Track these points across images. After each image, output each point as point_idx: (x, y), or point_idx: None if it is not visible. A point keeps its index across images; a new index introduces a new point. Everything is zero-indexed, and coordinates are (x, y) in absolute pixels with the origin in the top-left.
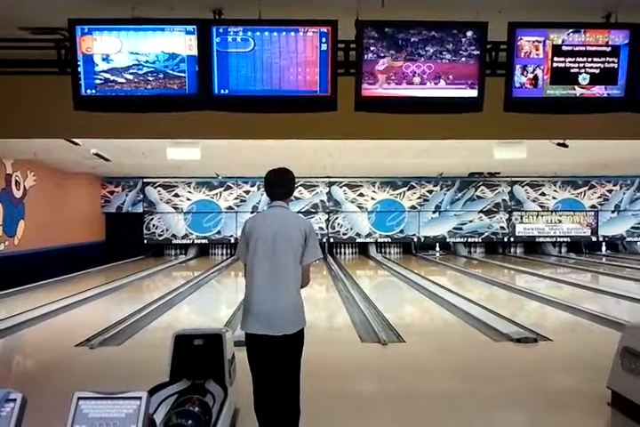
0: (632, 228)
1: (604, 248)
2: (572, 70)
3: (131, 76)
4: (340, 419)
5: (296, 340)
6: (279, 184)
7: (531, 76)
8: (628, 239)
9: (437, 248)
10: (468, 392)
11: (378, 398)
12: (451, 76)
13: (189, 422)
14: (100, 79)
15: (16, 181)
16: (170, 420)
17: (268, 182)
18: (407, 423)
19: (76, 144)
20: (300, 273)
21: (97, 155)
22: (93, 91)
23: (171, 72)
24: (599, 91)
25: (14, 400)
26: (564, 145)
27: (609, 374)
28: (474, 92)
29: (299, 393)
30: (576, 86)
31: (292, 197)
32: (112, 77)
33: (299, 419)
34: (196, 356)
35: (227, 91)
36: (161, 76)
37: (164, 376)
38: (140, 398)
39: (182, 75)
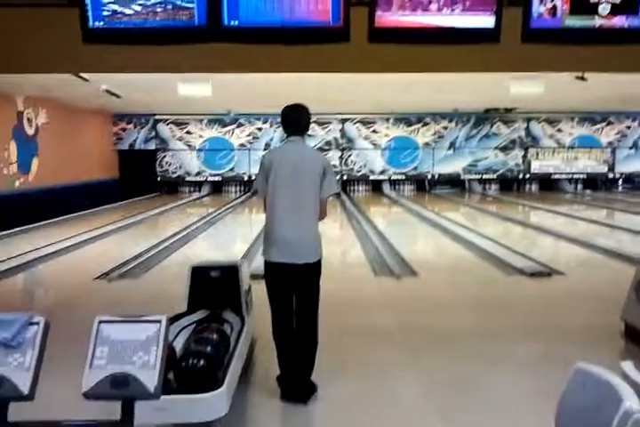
0: None
1: (620, 185)
2: (591, 0)
3: (139, 8)
4: (354, 351)
5: (315, 268)
6: (296, 119)
7: (549, 5)
8: None
9: (448, 184)
10: (481, 325)
11: (391, 331)
12: (468, 2)
13: (208, 348)
14: (108, 11)
15: (28, 118)
16: (189, 347)
17: (285, 118)
18: (420, 355)
19: (86, 80)
20: (318, 206)
21: (107, 91)
22: (101, 23)
23: (179, 3)
24: (619, 22)
25: (37, 324)
26: (583, 78)
27: (622, 306)
28: (491, 22)
29: (317, 321)
30: (596, 16)
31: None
32: (120, 9)
33: (317, 346)
34: (213, 287)
35: (236, 22)
36: (169, 7)
37: (181, 307)
38: (159, 321)
39: (191, 5)
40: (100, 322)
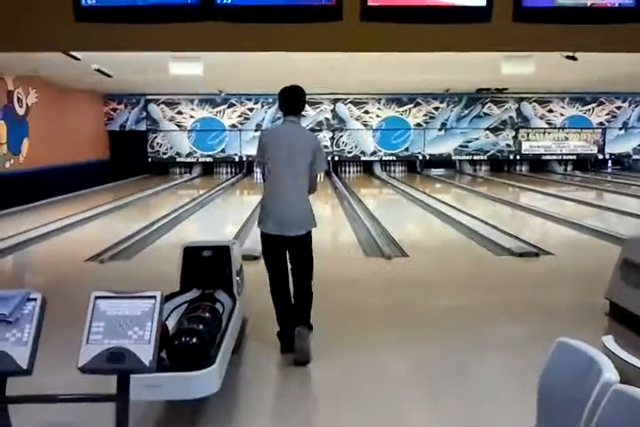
0: (639, 145)
1: (609, 166)
2: None
3: None
4: (344, 331)
5: (306, 238)
6: (292, 99)
7: None
8: (634, 157)
9: (442, 167)
10: (470, 305)
11: (381, 311)
12: None
13: (200, 326)
14: None
15: (18, 97)
16: (182, 325)
17: (282, 98)
18: (410, 335)
19: (77, 59)
20: (308, 181)
21: (98, 70)
22: (93, 1)
23: None
24: (611, 0)
25: (35, 300)
26: (574, 58)
27: (607, 285)
28: (482, 0)
29: (311, 278)
30: None
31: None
32: None
33: (312, 297)
34: (205, 267)
35: (229, 0)
36: None
37: (174, 287)
38: (154, 297)
39: None
40: (97, 298)
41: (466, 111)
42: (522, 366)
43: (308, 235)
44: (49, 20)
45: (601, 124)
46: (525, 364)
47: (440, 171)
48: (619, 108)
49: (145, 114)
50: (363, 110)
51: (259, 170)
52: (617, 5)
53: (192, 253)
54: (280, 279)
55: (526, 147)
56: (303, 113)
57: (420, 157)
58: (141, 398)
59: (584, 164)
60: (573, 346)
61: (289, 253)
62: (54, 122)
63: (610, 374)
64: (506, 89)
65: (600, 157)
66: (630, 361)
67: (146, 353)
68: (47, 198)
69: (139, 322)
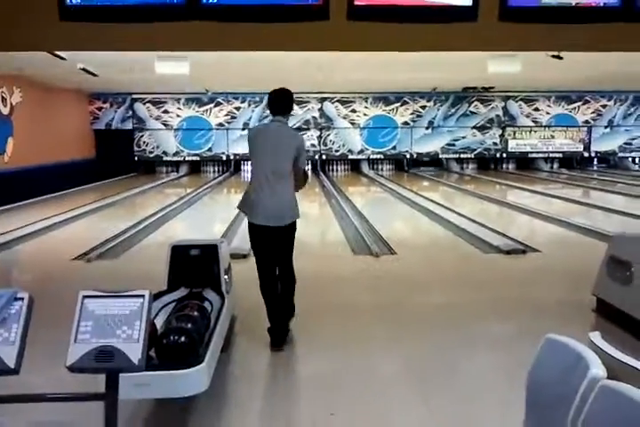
0: (624, 143)
1: (595, 164)
2: None
3: None
4: (333, 329)
5: (289, 228)
6: (280, 101)
7: None
8: (619, 155)
9: (430, 165)
10: (458, 302)
11: (370, 309)
12: None
13: (189, 325)
14: None
15: (2, 97)
16: (170, 323)
17: (270, 100)
18: (398, 333)
19: (62, 59)
20: (291, 176)
21: (84, 70)
22: (78, 0)
23: None
24: (595, 0)
25: (22, 299)
26: (559, 57)
27: (594, 282)
28: (469, 0)
29: (292, 264)
30: None
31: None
32: None
33: (295, 284)
34: (193, 266)
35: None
36: None
37: (161, 286)
38: (143, 296)
39: None
40: (85, 297)
41: (453, 110)
42: (510, 362)
43: (293, 224)
44: (33, 20)
45: (587, 122)
46: (514, 360)
47: (429, 169)
48: (604, 106)
49: (131, 113)
50: (350, 109)
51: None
52: (602, 5)
53: (180, 252)
54: (267, 269)
55: (513, 145)
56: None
57: (408, 156)
58: (130, 397)
59: (570, 162)
60: (561, 342)
61: (272, 241)
62: (39, 121)
63: (597, 369)
64: (492, 88)
65: (586, 154)
66: (617, 357)
67: (135, 352)
68: (33, 198)
69: (127, 321)
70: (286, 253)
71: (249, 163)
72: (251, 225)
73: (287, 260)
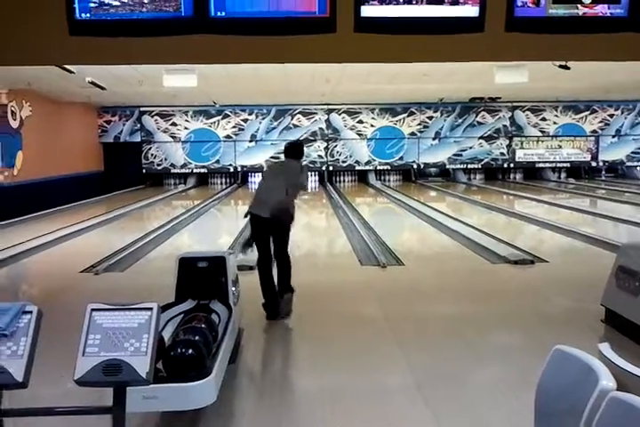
0: (632, 153)
1: (603, 173)
2: None
3: (126, 0)
4: (340, 340)
5: (281, 224)
6: (292, 151)
7: None
8: (627, 164)
9: (437, 175)
10: (467, 313)
11: (378, 320)
12: None
13: (196, 337)
14: (95, 3)
15: (12, 111)
16: (177, 336)
17: (286, 150)
18: (406, 344)
19: (70, 72)
20: (284, 190)
21: (92, 83)
22: (88, 15)
23: None
24: (602, 10)
25: (30, 312)
26: (566, 67)
27: (603, 292)
28: (475, 11)
29: (286, 253)
30: (579, 5)
31: (291, 124)
32: (106, 1)
33: (290, 266)
34: (201, 278)
35: (223, 13)
36: None
37: (169, 298)
38: (151, 308)
39: None
40: (93, 310)
41: (459, 120)
42: (519, 373)
43: (284, 223)
44: (43, 34)
45: (594, 131)
46: (522, 371)
47: (436, 179)
48: (611, 115)
49: (139, 125)
50: (357, 120)
51: None
52: (608, 15)
53: (188, 264)
54: (263, 256)
55: (520, 155)
56: (296, 123)
57: (415, 166)
58: (138, 410)
59: (578, 171)
60: (570, 353)
61: (267, 230)
62: (48, 134)
63: (607, 381)
64: (499, 98)
65: (594, 164)
66: (627, 368)
67: (142, 365)
68: (42, 211)
69: (135, 334)
70: (280, 248)
71: (256, 175)
72: (248, 214)
73: (281, 253)
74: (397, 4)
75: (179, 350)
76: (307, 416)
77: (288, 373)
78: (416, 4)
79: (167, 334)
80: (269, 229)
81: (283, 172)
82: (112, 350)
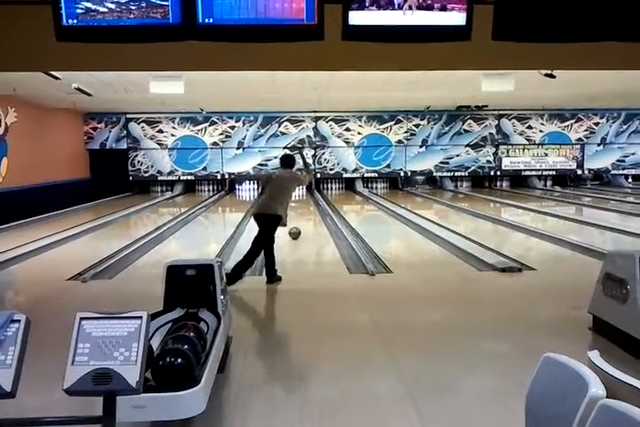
0: (617, 161)
1: (588, 181)
2: None
3: (113, 6)
4: (329, 348)
5: (271, 219)
6: (286, 162)
7: None
8: (612, 172)
9: (424, 183)
10: (455, 320)
11: (366, 327)
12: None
13: (185, 346)
14: (82, 9)
15: None
16: (166, 345)
17: (282, 161)
18: (395, 351)
19: (56, 78)
20: (283, 196)
21: (78, 89)
22: (75, 21)
23: (154, 0)
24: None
25: (19, 321)
26: (552, 76)
27: (590, 299)
28: (462, 19)
29: (272, 247)
30: None
31: (279, 132)
32: (94, 7)
33: (273, 262)
34: (189, 286)
35: (211, 20)
36: (144, 4)
37: (157, 306)
38: (140, 317)
39: (165, 3)
40: (82, 319)
41: (446, 128)
42: (508, 381)
43: (277, 219)
44: (30, 40)
45: (580, 140)
46: (511, 379)
47: (423, 187)
48: (597, 124)
49: (125, 132)
50: (344, 128)
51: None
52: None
53: (175, 272)
54: (256, 244)
55: (506, 163)
56: (284, 131)
57: (402, 174)
58: (127, 420)
59: (563, 179)
60: (560, 361)
61: (261, 230)
62: (34, 141)
63: (597, 389)
64: (486, 106)
65: (579, 172)
66: (616, 376)
67: (132, 374)
68: (27, 218)
69: (125, 343)
70: (264, 238)
71: (243, 182)
72: (253, 214)
73: (267, 244)
74: (385, 11)
75: (168, 359)
76: (296, 425)
77: (277, 382)
78: (403, 11)
79: (156, 343)
80: (261, 224)
81: (282, 181)
82: (102, 358)
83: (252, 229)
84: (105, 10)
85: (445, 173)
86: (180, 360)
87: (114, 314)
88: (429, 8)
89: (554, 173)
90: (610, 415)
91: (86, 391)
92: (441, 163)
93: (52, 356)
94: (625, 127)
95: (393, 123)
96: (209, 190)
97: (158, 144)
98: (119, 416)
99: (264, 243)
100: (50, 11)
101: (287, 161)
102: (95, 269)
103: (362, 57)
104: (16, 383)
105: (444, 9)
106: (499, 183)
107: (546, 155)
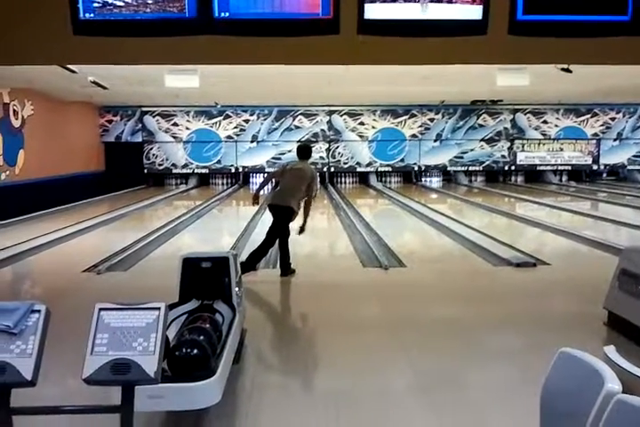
0: (633, 156)
1: (604, 177)
2: None
3: (129, 0)
4: (343, 342)
5: (286, 211)
6: (303, 153)
7: None
8: (629, 167)
9: (438, 177)
10: (469, 315)
11: (380, 322)
12: None
13: (201, 337)
14: (99, 3)
15: (14, 110)
16: (182, 336)
17: (299, 151)
18: (409, 346)
19: (73, 72)
20: (299, 190)
21: (94, 82)
22: (92, 15)
23: None
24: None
25: (39, 311)
26: (568, 70)
27: (606, 295)
28: (478, 13)
29: (287, 239)
30: None
31: (293, 125)
32: (110, 1)
33: (287, 255)
34: (205, 278)
35: (227, 14)
36: None
37: (172, 298)
38: (159, 308)
39: None
40: (101, 309)
41: (461, 122)
42: (522, 376)
43: (289, 209)
44: (47, 34)
45: (595, 135)
46: (525, 374)
47: (437, 180)
48: (613, 119)
49: (140, 125)
50: (358, 122)
51: (271, 179)
52: (610, 20)
53: (191, 264)
54: (270, 235)
55: (521, 157)
56: (298, 124)
57: (416, 168)
58: (144, 409)
59: (579, 174)
60: (575, 356)
61: (275, 220)
62: (50, 134)
63: (612, 384)
64: (500, 100)
65: (595, 167)
66: (632, 371)
67: (150, 364)
68: (43, 210)
69: (143, 333)
70: (280, 229)
71: (257, 175)
72: (267, 205)
73: (282, 235)
74: (401, 6)
75: (184, 350)
76: (310, 416)
77: (291, 374)
78: (420, 5)
79: (172, 334)
80: (278, 213)
81: (299, 175)
82: (120, 349)
83: (266, 222)
84: (122, 4)
85: (460, 168)
86: (196, 351)
87: (133, 305)
88: (446, 3)
89: (569, 168)
90: (626, 411)
91: (105, 381)
92: (455, 157)
93: (70, 346)
94: None
95: (407, 117)
96: (223, 184)
97: (173, 137)
98: (136, 406)
99: (278, 233)
100: (67, 4)
101: (304, 151)
102: (110, 261)
103: (377, 51)
104: (36, 372)
105: (460, 3)
106: (513, 178)
107: (561, 150)
